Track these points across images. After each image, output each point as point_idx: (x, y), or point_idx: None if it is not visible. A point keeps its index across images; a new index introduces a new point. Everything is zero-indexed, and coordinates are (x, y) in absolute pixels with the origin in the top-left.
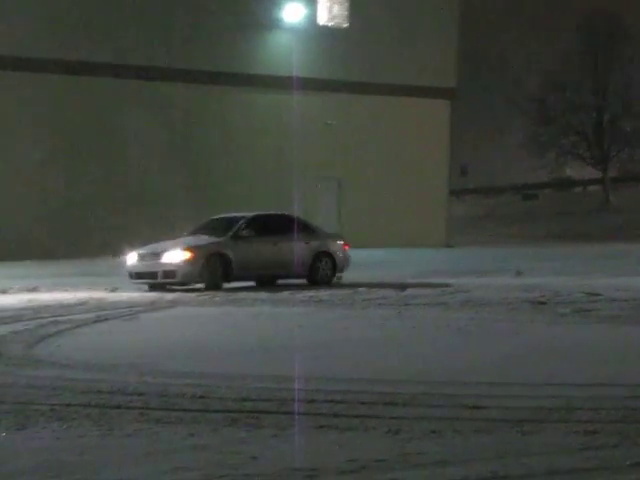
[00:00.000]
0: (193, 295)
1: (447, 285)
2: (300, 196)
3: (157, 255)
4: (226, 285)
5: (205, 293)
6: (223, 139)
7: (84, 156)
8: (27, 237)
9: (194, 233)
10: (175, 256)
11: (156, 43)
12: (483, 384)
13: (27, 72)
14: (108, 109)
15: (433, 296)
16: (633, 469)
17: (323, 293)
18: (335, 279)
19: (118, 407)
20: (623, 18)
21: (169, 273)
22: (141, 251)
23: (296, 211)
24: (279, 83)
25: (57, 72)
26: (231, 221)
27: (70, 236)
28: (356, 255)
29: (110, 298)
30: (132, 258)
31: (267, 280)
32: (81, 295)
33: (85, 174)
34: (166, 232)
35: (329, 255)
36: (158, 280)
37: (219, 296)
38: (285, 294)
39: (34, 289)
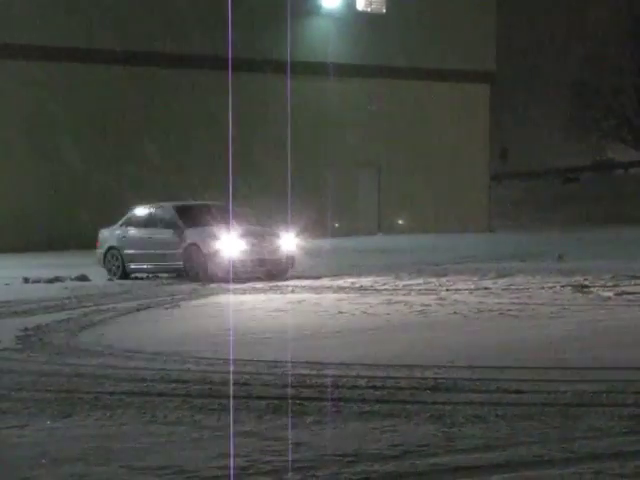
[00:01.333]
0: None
1: (490, 270)
2: (340, 183)
3: None
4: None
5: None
6: (261, 127)
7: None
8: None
9: None
10: None
11: (192, 30)
12: (525, 369)
13: (25, 60)
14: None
15: (475, 281)
16: None
17: (365, 280)
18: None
19: (161, 395)
20: None
21: None
22: None
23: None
24: (318, 69)
25: (58, 60)
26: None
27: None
28: (399, 241)
29: (152, 286)
30: None
31: None
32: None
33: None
34: None
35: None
36: None
37: (262, 284)
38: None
39: (82, 277)
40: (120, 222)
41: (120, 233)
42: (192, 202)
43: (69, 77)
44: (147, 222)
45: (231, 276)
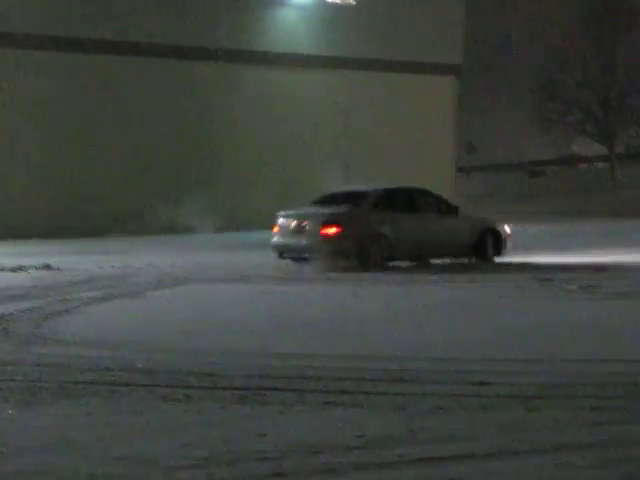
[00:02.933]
0: (202, 271)
1: (454, 263)
2: (308, 175)
3: None
4: None
5: None
6: (227, 117)
7: (90, 134)
8: (33, 215)
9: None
10: None
11: (160, 20)
12: (488, 360)
13: (29, 49)
14: (119, 86)
15: (440, 274)
16: (638, 445)
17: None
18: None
19: (126, 384)
20: None
21: None
22: None
23: (303, 189)
24: (286, 61)
25: (61, 49)
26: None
27: (76, 215)
28: None
29: (117, 275)
30: None
31: None
32: (92, 273)
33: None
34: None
35: None
36: None
37: (233, 272)
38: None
39: (47, 266)
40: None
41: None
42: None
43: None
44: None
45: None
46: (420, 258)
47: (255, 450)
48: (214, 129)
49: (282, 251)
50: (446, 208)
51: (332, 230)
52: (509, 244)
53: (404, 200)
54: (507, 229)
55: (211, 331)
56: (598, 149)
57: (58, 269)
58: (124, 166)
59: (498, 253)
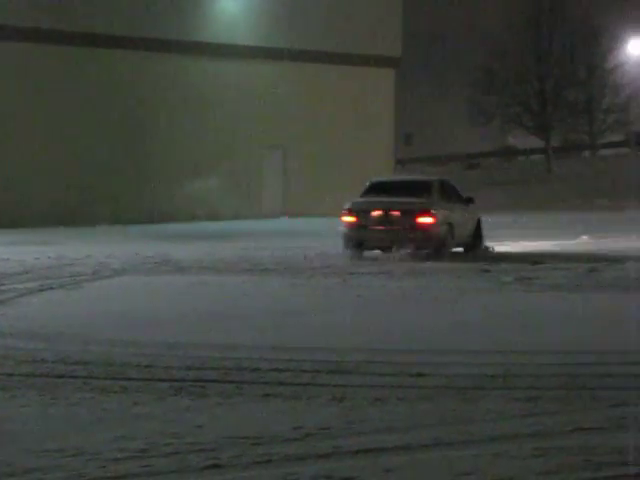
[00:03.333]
0: (139, 263)
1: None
2: (247, 166)
3: None
4: None
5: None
6: (167, 107)
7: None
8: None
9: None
10: None
11: (101, 9)
12: (426, 352)
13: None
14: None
15: (378, 265)
16: (573, 434)
17: (269, 262)
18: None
19: (62, 376)
20: None
21: None
22: None
23: (243, 180)
24: (225, 52)
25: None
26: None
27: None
28: (301, 224)
29: (54, 265)
30: None
31: None
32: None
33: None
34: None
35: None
36: None
37: (171, 264)
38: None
39: None
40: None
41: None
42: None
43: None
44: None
45: None
46: (463, 247)
47: (192, 442)
48: (153, 120)
49: (363, 241)
50: (464, 198)
51: (428, 220)
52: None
53: (447, 191)
54: None
55: (148, 323)
56: (534, 142)
57: None
58: (58, 159)
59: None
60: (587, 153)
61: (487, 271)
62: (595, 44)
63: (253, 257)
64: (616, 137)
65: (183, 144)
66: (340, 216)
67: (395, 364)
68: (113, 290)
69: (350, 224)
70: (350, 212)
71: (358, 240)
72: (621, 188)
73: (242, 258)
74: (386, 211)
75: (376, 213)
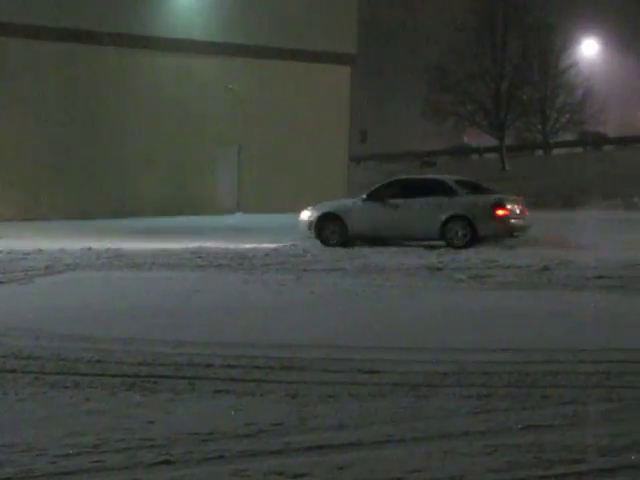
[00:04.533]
0: (92, 258)
1: (345, 251)
2: (200, 162)
3: None
4: None
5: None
6: (121, 103)
7: None
8: None
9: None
10: None
11: (54, 2)
12: (379, 349)
13: None
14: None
15: (331, 262)
16: (524, 432)
17: (222, 258)
18: None
19: (13, 371)
20: None
21: None
22: None
23: (197, 175)
24: (178, 46)
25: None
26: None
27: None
28: (252, 221)
29: (5, 260)
30: None
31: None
32: None
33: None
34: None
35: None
36: None
37: (124, 259)
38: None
39: None
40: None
41: None
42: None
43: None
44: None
45: None
46: None
47: (143, 437)
48: (106, 115)
49: (514, 230)
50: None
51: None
52: None
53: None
54: None
55: (100, 318)
56: (488, 140)
57: None
58: (14, 152)
59: None
60: (540, 152)
61: (439, 269)
62: (549, 44)
63: (207, 253)
64: (569, 136)
65: (136, 139)
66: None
67: (348, 361)
68: (65, 285)
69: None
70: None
71: (513, 230)
72: (573, 187)
73: (195, 254)
74: (520, 206)
75: (516, 207)
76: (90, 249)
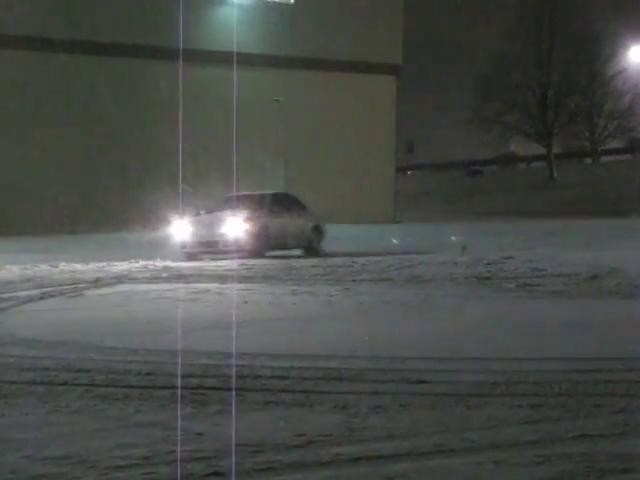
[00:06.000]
0: (139, 271)
1: (393, 261)
2: (248, 173)
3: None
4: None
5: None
6: (169, 114)
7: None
8: None
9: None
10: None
11: (102, 18)
12: (428, 359)
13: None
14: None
15: (379, 272)
16: (575, 441)
17: (269, 269)
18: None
19: (64, 384)
20: None
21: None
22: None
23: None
24: (226, 59)
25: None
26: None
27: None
28: None
29: (55, 274)
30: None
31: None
32: (28, 272)
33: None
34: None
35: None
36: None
37: (168, 272)
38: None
39: None
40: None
41: None
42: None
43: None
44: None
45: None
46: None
47: (193, 449)
48: (156, 126)
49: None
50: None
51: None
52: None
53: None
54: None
55: (147, 330)
56: (536, 149)
57: None
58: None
59: None
60: (589, 160)
61: (488, 278)
62: (596, 51)
63: (253, 264)
64: (618, 144)
65: (186, 151)
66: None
67: (397, 371)
68: (114, 298)
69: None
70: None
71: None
72: (624, 195)
73: (242, 265)
74: None
75: None
76: (137, 262)
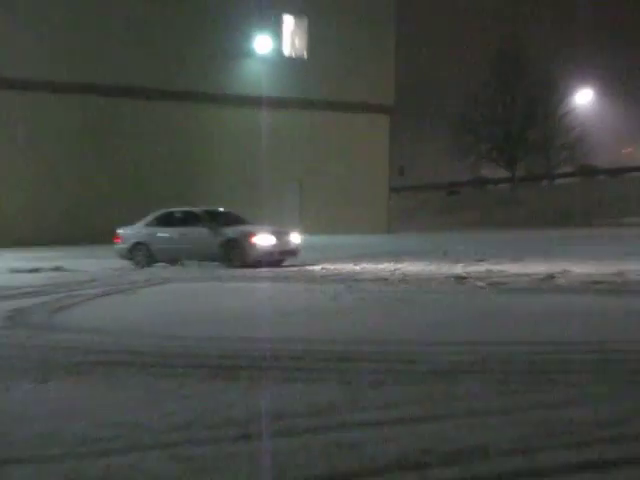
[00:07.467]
0: (183, 272)
1: (387, 263)
2: (269, 195)
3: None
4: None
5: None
6: (205, 148)
7: (92, 160)
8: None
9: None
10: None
11: (154, 68)
12: (417, 343)
13: (44, 92)
14: (111, 123)
15: (376, 272)
16: (535, 410)
17: (289, 271)
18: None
19: (121, 364)
20: (527, 48)
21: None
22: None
23: (266, 208)
24: (252, 101)
25: (70, 92)
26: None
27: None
28: (314, 240)
29: (113, 275)
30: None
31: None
32: (93, 273)
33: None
34: None
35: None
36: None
37: (208, 274)
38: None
39: (58, 268)
40: (144, 222)
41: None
42: (211, 207)
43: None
44: (177, 223)
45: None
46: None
47: (226, 417)
48: (194, 158)
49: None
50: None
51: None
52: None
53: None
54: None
55: (189, 320)
56: (502, 173)
57: (66, 270)
58: (114, 189)
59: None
60: (545, 182)
61: (464, 278)
62: (550, 95)
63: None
64: (568, 169)
65: (217, 179)
66: None
67: (392, 353)
68: (163, 294)
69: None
70: None
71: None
72: (573, 210)
73: (267, 270)
74: None
75: None
76: (183, 264)
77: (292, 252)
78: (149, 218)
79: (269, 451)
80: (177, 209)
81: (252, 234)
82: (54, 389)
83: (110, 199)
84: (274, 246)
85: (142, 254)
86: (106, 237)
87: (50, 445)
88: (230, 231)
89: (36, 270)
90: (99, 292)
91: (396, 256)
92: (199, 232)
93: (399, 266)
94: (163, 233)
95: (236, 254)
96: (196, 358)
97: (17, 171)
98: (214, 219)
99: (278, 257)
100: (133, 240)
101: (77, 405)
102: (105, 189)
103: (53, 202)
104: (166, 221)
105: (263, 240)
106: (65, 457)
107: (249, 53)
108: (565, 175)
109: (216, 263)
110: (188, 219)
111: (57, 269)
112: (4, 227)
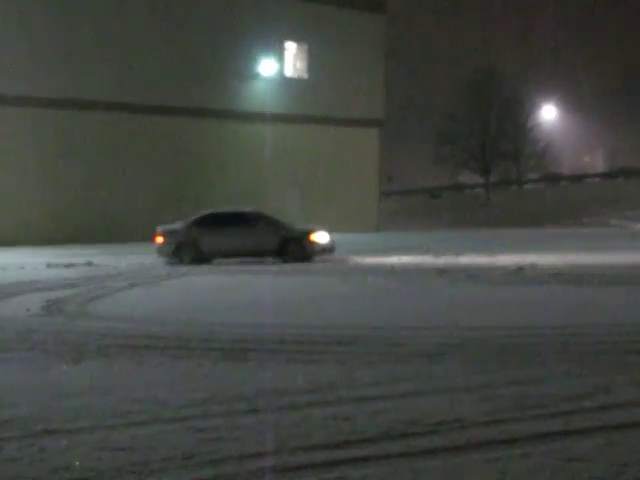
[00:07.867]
0: (198, 267)
1: (377, 258)
2: (274, 198)
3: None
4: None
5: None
6: (216, 159)
7: (119, 170)
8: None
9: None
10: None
11: (170, 86)
12: (403, 328)
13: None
14: (123, 139)
15: (368, 266)
16: (507, 386)
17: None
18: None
19: (146, 347)
20: (499, 70)
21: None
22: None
23: (271, 210)
24: (258, 117)
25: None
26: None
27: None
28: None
29: (138, 269)
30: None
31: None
32: (120, 268)
33: (118, 182)
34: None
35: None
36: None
37: (222, 268)
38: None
39: (88, 264)
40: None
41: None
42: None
43: (68, 121)
44: (227, 222)
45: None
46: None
47: (237, 393)
48: (206, 169)
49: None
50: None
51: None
52: None
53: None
54: None
55: (205, 309)
56: (477, 179)
57: (97, 266)
58: (134, 199)
59: None
60: (515, 187)
61: (444, 271)
62: (519, 110)
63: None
64: (535, 175)
65: (227, 186)
66: None
67: (381, 337)
68: (182, 286)
69: None
70: None
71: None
72: (539, 212)
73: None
74: None
75: None
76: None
77: (332, 249)
78: (195, 218)
79: (274, 423)
80: (223, 210)
81: (311, 232)
82: (86, 369)
83: (135, 204)
84: (327, 243)
85: (190, 252)
86: (131, 236)
87: (82, 418)
88: (290, 229)
89: (70, 265)
90: (126, 285)
91: (384, 252)
92: (256, 230)
93: (386, 260)
94: (214, 232)
95: (294, 250)
96: (210, 342)
97: (51, 178)
98: (272, 219)
99: (322, 253)
100: (179, 239)
101: (106, 383)
102: (130, 195)
103: (86, 204)
104: (214, 221)
105: (320, 238)
106: (95, 429)
107: (255, 74)
108: (533, 181)
109: (271, 259)
110: (240, 219)
111: (88, 264)
112: (43, 227)
